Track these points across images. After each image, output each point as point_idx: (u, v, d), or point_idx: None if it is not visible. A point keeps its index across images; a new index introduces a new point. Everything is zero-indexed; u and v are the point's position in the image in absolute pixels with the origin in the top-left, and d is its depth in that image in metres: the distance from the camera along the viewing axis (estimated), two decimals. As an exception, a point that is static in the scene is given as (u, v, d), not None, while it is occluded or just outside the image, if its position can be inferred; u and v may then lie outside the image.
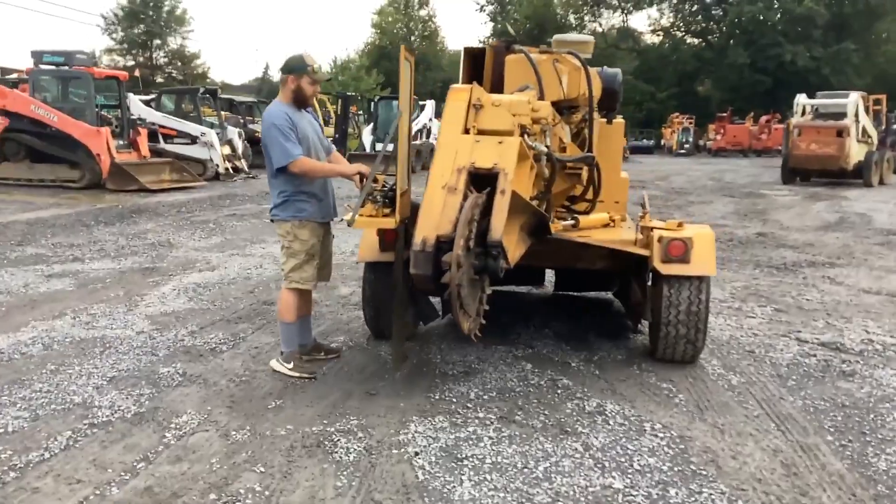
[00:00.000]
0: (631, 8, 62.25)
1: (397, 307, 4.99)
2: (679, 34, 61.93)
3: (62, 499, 3.58)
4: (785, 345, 6.27)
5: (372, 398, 4.89)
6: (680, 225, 5.85)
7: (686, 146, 47.84)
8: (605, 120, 6.80)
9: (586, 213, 6.36)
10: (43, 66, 19.56)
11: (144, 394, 4.88)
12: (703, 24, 60.27)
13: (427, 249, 4.06)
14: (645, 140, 51.41)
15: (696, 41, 61.22)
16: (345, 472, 3.88)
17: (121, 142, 19.36)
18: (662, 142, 50.05)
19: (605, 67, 6.88)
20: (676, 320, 5.49)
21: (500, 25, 62.55)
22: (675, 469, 4.01)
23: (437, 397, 4.93)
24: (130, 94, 22.72)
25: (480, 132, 4.62)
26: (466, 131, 4.61)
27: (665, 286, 5.49)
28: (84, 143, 18.39)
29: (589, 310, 7.40)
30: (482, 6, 64.17)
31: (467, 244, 4.03)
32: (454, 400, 4.89)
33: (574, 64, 5.69)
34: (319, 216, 5.18)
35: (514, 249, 4.62)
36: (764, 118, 47.12)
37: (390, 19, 67.22)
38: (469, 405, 4.80)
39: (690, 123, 49.47)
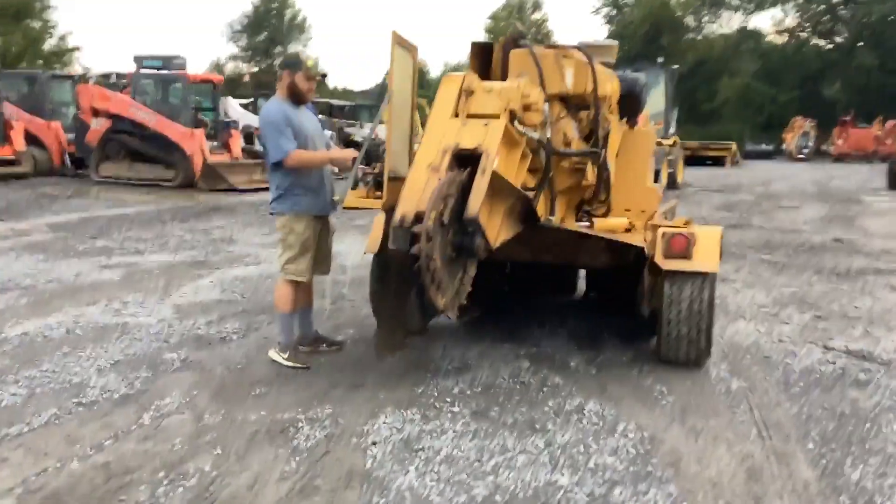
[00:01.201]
0: (753, 8, 60.18)
1: (385, 295, 5.01)
2: (804, 35, 59.60)
3: (24, 468, 3.78)
4: (808, 351, 6.01)
5: (356, 389, 4.95)
6: (687, 223, 5.72)
7: (805, 151, 45.96)
8: (627, 125, 6.71)
9: (603, 216, 6.28)
10: (143, 71, 20.49)
11: (140, 377, 5.08)
12: (830, 25, 57.85)
13: (405, 225, 4.11)
14: (764, 144, 49.59)
15: (821, 42, 58.81)
16: (297, 458, 3.95)
17: (214, 143, 20.09)
18: (783, 146, 48.18)
19: (627, 71, 6.78)
20: (678, 319, 5.35)
21: (614, 27, 61.74)
22: (631, 469, 3.92)
23: (420, 391, 4.95)
24: (228, 98, 23.56)
25: (470, 116, 4.65)
26: (458, 116, 4.67)
27: (667, 283, 5.37)
28: (179, 143, 19.14)
29: (616, 312, 7.25)
30: (597, 9, 63.41)
31: (440, 219, 4.06)
32: (436, 394, 4.90)
33: (581, 60, 5.62)
34: (316, 209, 5.28)
35: (498, 232, 4.58)
36: (891, 123, 44.67)
37: (502, 24, 67.17)
38: (448, 399, 4.81)
39: (812, 127, 47.48)
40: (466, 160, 4.40)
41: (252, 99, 28.47)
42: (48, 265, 8.65)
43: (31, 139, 21.04)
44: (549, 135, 5.33)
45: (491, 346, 5.90)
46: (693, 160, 31.95)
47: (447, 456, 4.02)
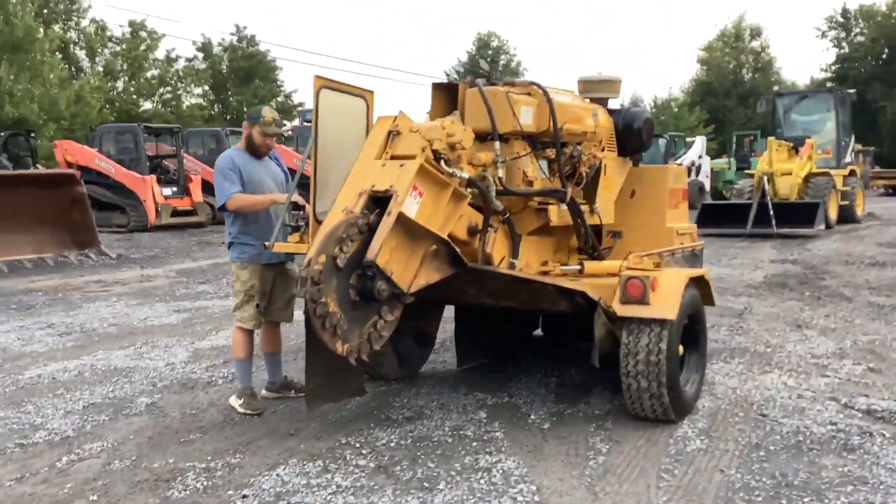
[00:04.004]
0: None
1: (311, 345, 4.92)
2: None
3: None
4: (820, 410, 5.32)
5: (285, 439, 4.92)
6: (657, 265, 5.26)
7: None
8: (629, 162, 6.33)
9: (598, 258, 5.92)
10: (305, 124, 21.66)
11: (97, 420, 5.30)
12: None
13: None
14: None
15: None
16: (158, 509, 3.97)
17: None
18: None
19: (629, 107, 6.40)
20: (636, 371, 4.91)
21: (842, 50, 58.19)
22: (479, 538, 3.62)
23: (344, 441, 4.84)
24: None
25: (393, 157, 4.56)
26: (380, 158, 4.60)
27: (624, 331, 4.95)
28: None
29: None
30: (823, 32, 60.01)
31: (334, 262, 3.99)
32: (357, 446, 4.76)
33: (542, 98, 5.35)
34: (263, 259, 5.32)
35: (414, 276, 4.41)
36: None
37: (718, 54, 65.04)
38: (364, 452, 4.66)
39: None
40: (383, 202, 4.30)
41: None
42: (131, 310, 9.25)
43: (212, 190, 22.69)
44: (500, 174, 5.12)
45: (461, 395, 5.70)
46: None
47: (306, 513, 3.90)
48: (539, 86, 5.37)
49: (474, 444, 4.78)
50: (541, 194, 5.37)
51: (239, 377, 5.52)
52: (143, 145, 21.20)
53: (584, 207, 5.78)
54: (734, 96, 58.58)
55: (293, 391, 5.71)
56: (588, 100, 6.21)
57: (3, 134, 25.39)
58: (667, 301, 4.91)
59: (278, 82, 54.04)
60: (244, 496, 4.09)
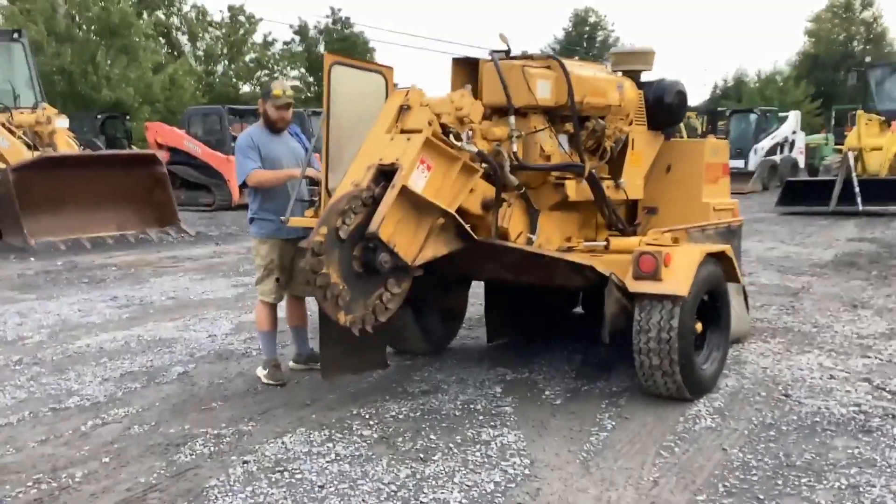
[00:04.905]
0: None
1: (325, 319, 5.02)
2: None
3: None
4: (848, 391, 5.16)
5: (300, 408, 5.05)
6: (676, 241, 5.17)
7: None
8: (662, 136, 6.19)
9: (629, 233, 5.83)
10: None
11: (129, 388, 5.53)
12: None
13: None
14: None
15: None
16: (162, 472, 4.13)
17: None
18: None
19: (661, 79, 6.25)
20: (647, 348, 4.85)
21: None
22: (458, 508, 3.66)
23: (355, 412, 4.94)
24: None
25: (402, 132, 4.63)
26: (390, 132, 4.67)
27: (637, 307, 4.90)
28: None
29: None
30: None
31: (337, 234, 4.10)
32: (367, 417, 4.86)
33: (560, 71, 5.29)
34: (282, 234, 5.44)
35: (420, 249, 4.47)
36: None
37: (828, 25, 62.52)
38: (372, 423, 4.75)
39: None
40: (390, 175, 4.36)
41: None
42: (193, 284, 9.57)
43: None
44: (514, 148, 5.11)
45: (483, 370, 5.74)
46: None
47: (299, 479, 4.01)
48: (557, 59, 5.32)
49: (481, 417, 4.82)
50: (557, 168, 5.33)
51: (263, 349, 5.68)
52: (228, 126, 21.76)
53: (609, 183, 5.71)
54: (844, 69, 56.20)
55: (319, 364, 5.83)
56: (620, 73, 6.11)
57: (100, 116, 26.52)
58: (679, 277, 4.82)
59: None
60: (245, 461, 4.22)
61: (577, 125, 5.32)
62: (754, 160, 26.11)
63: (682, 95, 6.13)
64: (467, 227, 4.65)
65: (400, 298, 4.50)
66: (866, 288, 8.53)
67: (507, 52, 5.43)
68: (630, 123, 5.82)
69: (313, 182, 5.32)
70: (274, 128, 5.54)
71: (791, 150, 27.98)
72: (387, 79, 5.38)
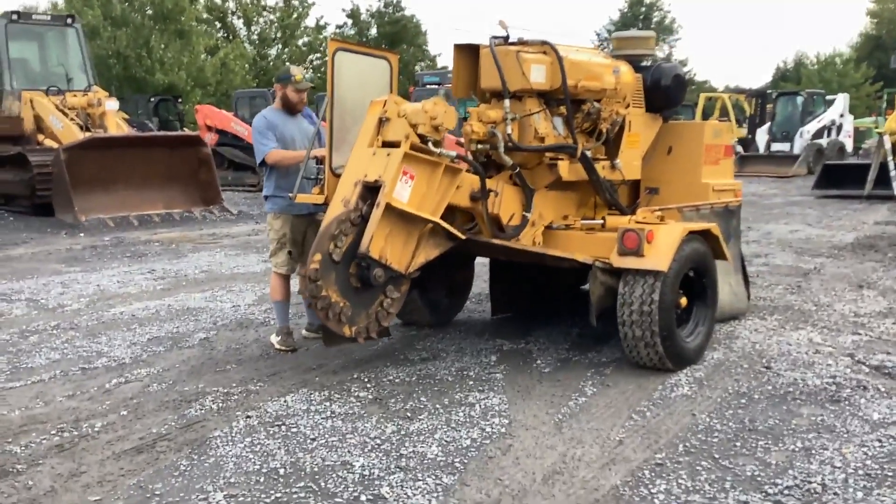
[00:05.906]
0: None
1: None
2: None
3: (-20, 414, 4.81)
4: (829, 365, 5.37)
5: (306, 372, 5.44)
6: (662, 219, 5.42)
7: None
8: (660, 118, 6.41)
9: (627, 211, 6.07)
10: (420, 88, 22.14)
11: (153, 351, 5.98)
12: None
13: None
14: None
15: None
16: (173, 424, 4.54)
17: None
18: None
19: (661, 63, 6.45)
20: (630, 320, 5.13)
21: None
22: (439, 461, 4.00)
23: (356, 376, 5.31)
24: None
25: (384, 144, 4.97)
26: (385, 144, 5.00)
27: (621, 282, 5.18)
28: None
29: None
30: None
31: (330, 258, 4.53)
32: (366, 380, 5.22)
33: (555, 56, 5.56)
34: (294, 210, 5.81)
35: (412, 257, 4.89)
36: None
37: (891, 5, 60.99)
38: (369, 386, 5.11)
39: None
40: (376, 190, 4.74)
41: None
42: (227, 259, 10.04)
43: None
44: (509, 130, 5.41)
45: (483, 340, 6.07)
46: None
47: (294, 432, 4.39)
48: (550, 44, 5.58)
49: (472, 383, 5.15)
50: (550, 150, 5.60)
51: (277, 317, 6.08)
52: (274, 108, 22.26)
53: (605, 163, 5.96)
54: (904, 51, 54.92)
55: (328, 332, 6.22)
56: (620, 57, 6.34)
57: (153, 99, 27.32)
58: (660, 253, 5.08)
59: (424, 46, 54.89)
60: (248, 416, 4.62)
61: (570, 108, 5.59)
62: (800, 143, 25.81)
63: (679, 79, 6.34)
64: (453, 229, 5.01)
65: (401, 301, 4.93)
66: (877, 269, 8.64)
67: (506, 38, 5.70)
68: (627, 106, 6.06)
69: (320, 161, 5.68)
70: (294, 110, 5.91)
71: (839, 133, 27.59)
72: (391, 64, 5.71)
